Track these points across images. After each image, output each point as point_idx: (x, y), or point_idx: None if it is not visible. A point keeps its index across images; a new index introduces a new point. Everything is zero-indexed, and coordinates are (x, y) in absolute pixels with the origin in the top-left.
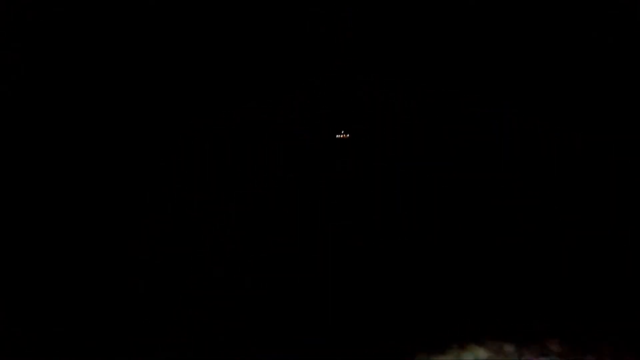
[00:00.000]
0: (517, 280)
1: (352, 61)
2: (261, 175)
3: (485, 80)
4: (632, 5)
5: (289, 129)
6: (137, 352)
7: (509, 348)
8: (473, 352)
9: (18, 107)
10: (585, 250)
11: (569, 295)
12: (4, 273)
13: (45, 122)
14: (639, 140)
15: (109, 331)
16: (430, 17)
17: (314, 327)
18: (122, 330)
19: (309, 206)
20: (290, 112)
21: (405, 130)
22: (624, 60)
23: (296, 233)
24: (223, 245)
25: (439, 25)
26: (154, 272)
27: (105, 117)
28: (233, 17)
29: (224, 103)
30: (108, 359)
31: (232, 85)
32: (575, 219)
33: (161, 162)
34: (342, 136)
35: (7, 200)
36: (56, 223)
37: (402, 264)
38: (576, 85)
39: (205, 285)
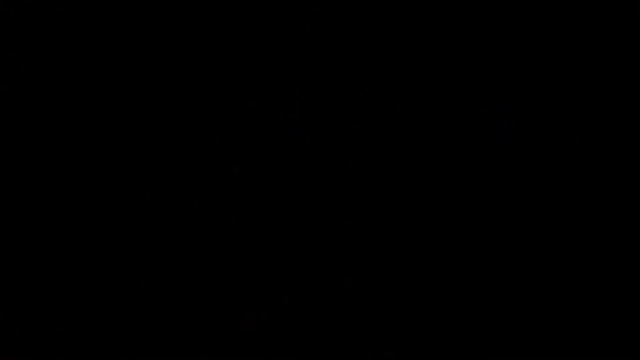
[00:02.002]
0: (517, 280)
1: (352, 61)
2: (261, 175)
3: (485, 80)
4: (632, 5)
5: (289, 129)
6: (137, 352)
7: None
8: None
9: (18, 107)
10: (586, 250)
11: (569, 296)
12: (4, 273)
13: (45, 122)
14: (639, 140)
15: (109, 331)
16: (430, 17)
17: (314, 328)
18: (122, 330)
19: (309, 206)
20: (290, 112)
21: (405, 130)
22: (624, 60)
23: (296, 233)
24: (223, 245)
25: (438, 25)
26: (154, 272)
27: (105, 116)
28: (233, 16)
29: (224, 103)
30: (108, 359)
31: (232, 85)
32: (575, 219)
33: (161, 162)
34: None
35: (7, 200)
36: (56, 223)
37: (402, 265)
38: (576, 85)
39: (205, 285)
